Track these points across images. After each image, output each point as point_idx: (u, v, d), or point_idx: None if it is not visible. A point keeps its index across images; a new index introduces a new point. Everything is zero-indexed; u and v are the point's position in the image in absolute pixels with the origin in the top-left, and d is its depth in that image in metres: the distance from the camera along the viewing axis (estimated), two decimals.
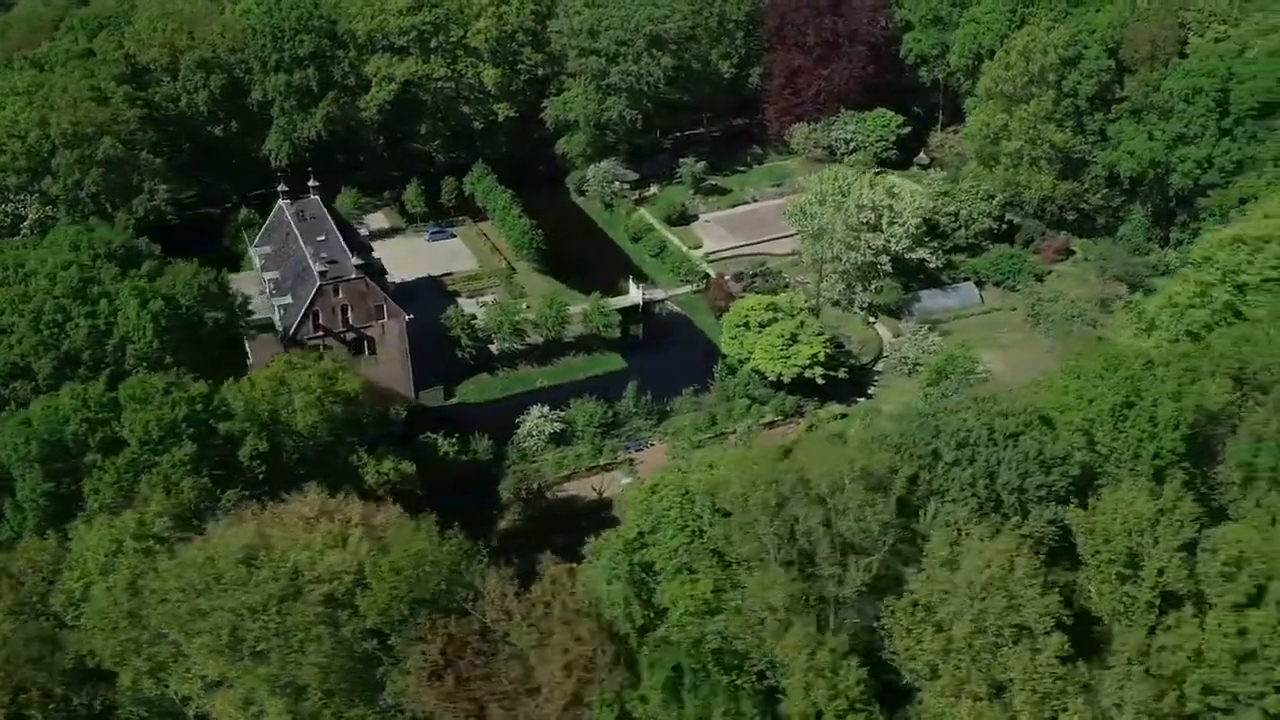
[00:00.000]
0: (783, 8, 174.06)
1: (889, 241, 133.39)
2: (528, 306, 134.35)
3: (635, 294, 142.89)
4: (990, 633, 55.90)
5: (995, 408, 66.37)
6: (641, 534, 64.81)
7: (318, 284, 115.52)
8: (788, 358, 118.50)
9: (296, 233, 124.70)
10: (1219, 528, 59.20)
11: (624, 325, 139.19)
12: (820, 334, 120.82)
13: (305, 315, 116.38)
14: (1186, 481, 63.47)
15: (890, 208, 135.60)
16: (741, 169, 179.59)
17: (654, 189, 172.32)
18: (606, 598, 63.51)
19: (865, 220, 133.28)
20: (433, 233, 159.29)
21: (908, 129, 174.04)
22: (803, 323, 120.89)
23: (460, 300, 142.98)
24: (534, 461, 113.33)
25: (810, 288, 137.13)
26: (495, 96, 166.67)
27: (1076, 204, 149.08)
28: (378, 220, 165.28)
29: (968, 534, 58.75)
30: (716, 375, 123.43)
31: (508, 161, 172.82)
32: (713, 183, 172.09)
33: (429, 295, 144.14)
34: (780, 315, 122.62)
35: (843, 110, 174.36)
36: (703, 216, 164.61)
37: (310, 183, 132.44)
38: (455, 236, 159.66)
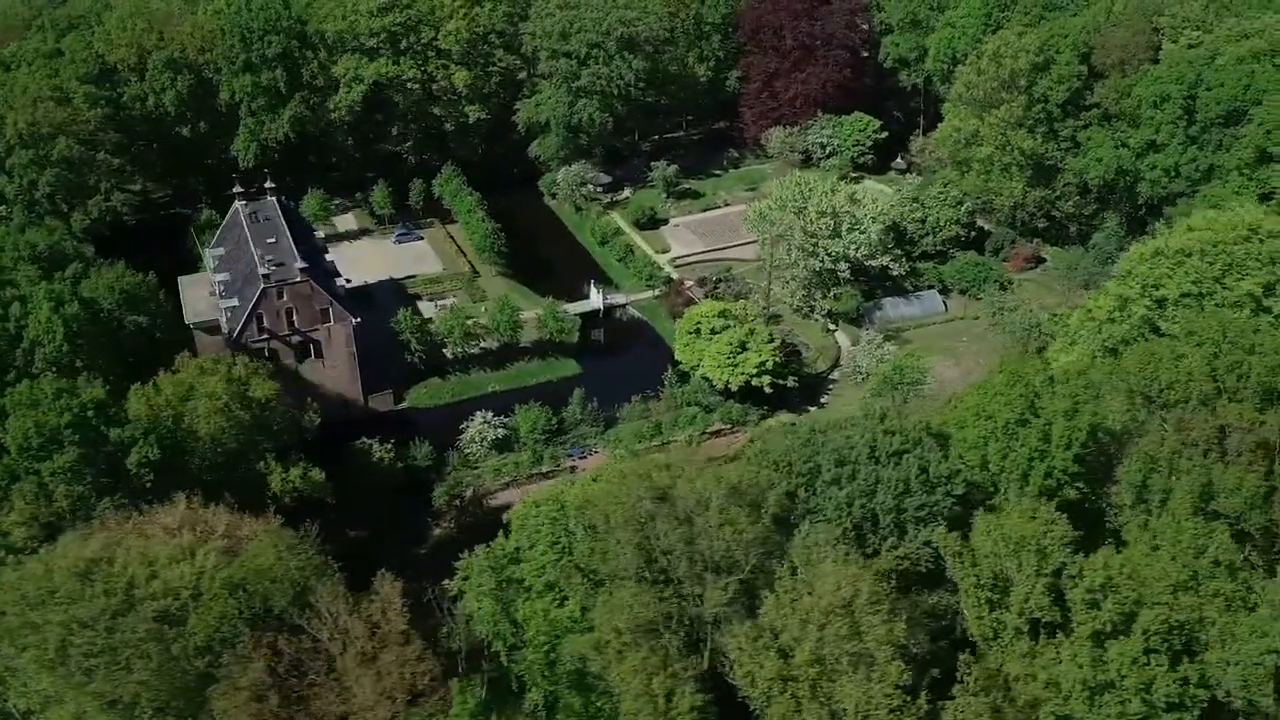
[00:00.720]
0: (759, 11, 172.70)
1: (848, 248, 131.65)
2: (485, 310, 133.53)
3: (595, 299, 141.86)
4: (829, 660, 54.35)
5: (882, 424, 64.77)
6: (518, 549, 63.71)
7: (261, 287, 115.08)
8: (735, 365, 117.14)
9: (248, 234, 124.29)
10: (1094, 553, 57.30)
11: (585, 330, 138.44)
12: (770, 341, 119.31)
13: (249, 318, 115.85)
14: (1078, 502, 61.76)
15: (851, 214, 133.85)
16: (718, 172, 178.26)
17: (627, 192, 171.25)
18: (476, 615, 62.43)
19: (825, 226, 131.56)
20: (399, 234, 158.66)
21: (885, 134, 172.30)
22: (753, 330, 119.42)
23: (420, 303, 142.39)
24: (475, 468, 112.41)
25: (763, 295, 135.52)
26: (466, 98, 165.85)
27: (1048, 211, 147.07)
28: (347, 221, 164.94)
29: (823, 557, 57.17)
30: (666, 382, 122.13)
31: (481, 164, 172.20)
32: (687, 186, 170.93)
33: (390, 298, 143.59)
34: (732, 322, 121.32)
35: (820, 114, 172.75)
36: (673, 221, 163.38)
37: (267, 184, 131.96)
38: (422, 239, 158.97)
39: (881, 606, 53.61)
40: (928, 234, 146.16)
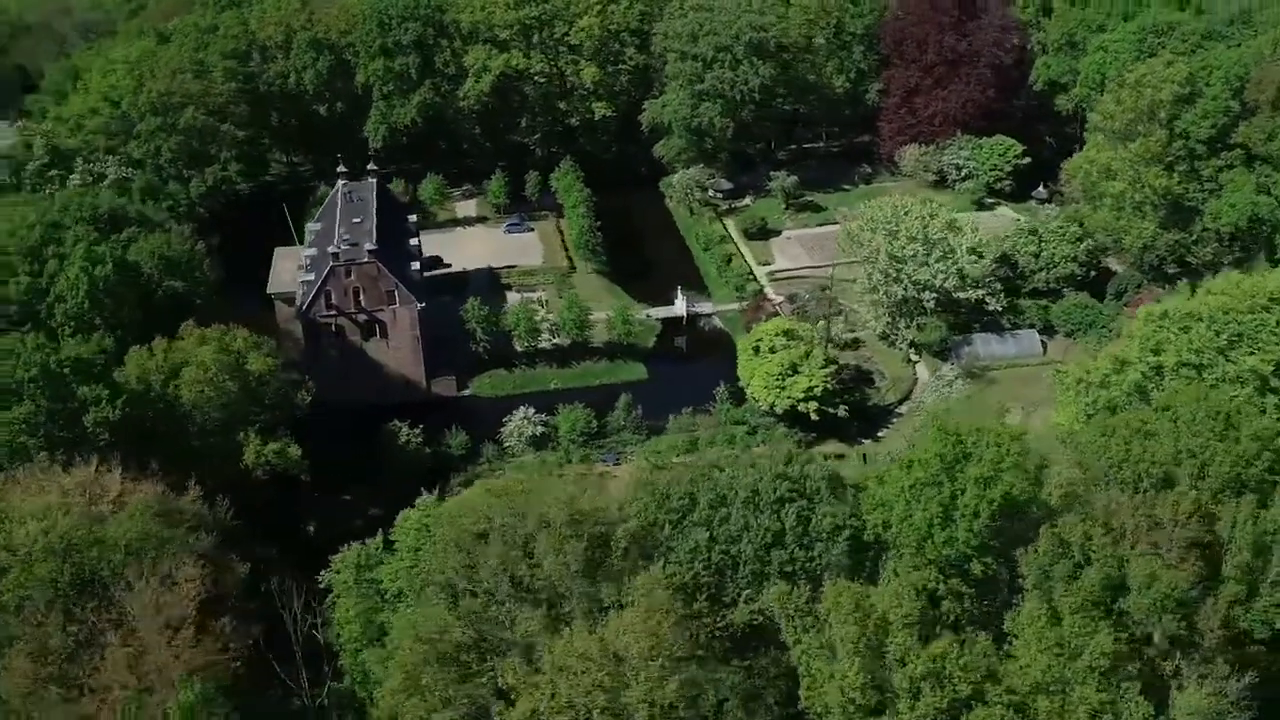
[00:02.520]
0: (904, 23, 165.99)
1: (934, 277, 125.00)
2: (545, 305, 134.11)
3: (680, 305, 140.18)
4: (581, 711, 51.26)
5: (784, 467, 60.93)
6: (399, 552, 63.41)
7: (330, 264, 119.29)
8: (783, 388, 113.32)
9: (338, 213, 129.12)
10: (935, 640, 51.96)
11: (668, 336, 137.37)
12: (825, 367, 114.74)
13: (318, 293, 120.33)
14: (978, 578, 56.58)
15: (946, 242, 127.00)
16: (847, 187, 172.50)
17: (748, 200, 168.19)
18: (338, 611, 62.63)
19: (913, 252, 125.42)
20: (510, 225, 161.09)
21: (1027, 159, 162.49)
22: (809, 353, 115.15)
23: (510, 294, 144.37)
24: (509, 461, 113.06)
25: (828, 317, 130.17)
26: (594, 95, 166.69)
27: (1181, 256, 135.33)
28: (468, 208, 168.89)
29: (630, 601, 54.09)
30: (716, 398, 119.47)
31: (610, 161, 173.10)
32: (809, 199, 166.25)
33: (483, 286, 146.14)
34: (793, 343, 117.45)
35: (959, 134, 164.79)
36: (785, 233, 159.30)
37: (369, 166, 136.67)
38: (532, 230, 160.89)
39: (654, 662, 50.26)
40: (1041, 269, 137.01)
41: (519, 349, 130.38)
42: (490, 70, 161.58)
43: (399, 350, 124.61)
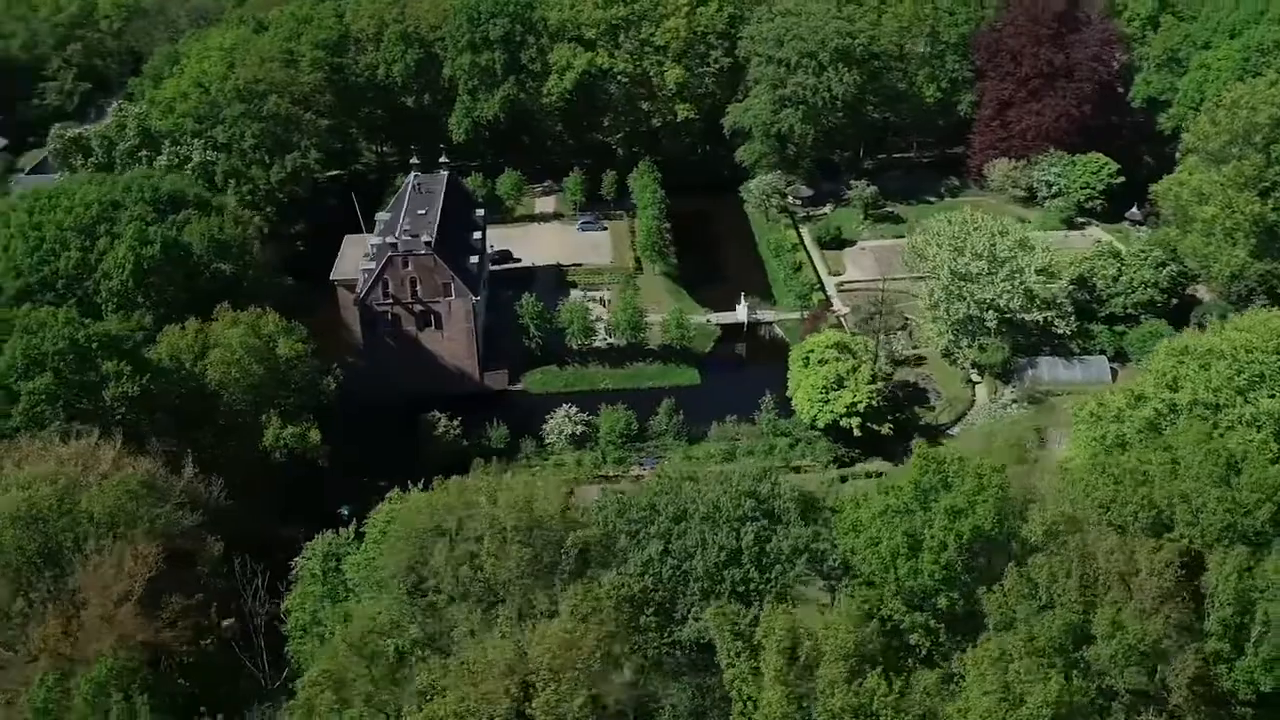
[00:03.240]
0: (1000, 34, 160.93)
1: (998, 296, 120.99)
2: (624, 308, 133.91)
3: (741, 312, 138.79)
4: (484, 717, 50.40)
5: (750, 485, 59.47)
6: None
7: (388, 254, 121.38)
8: (827, 401, 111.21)
9: (405, 204, 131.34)
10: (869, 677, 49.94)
11: (727, 342, 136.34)
12: (873, 382, 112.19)
13: (375, 281, 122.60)
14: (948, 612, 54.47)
15: (1014, 260, 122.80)
16: (932, 199, 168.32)
17: (827, 209, 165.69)
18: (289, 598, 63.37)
19: (978, 270, 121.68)
20: (583, 223, 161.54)
21: (1122, 179, 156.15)
22: (857, 367, 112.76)
23: (574, 291, 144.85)
24: (547, 457, 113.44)
25: (888, 334, 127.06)
26: (678, 96, 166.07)
27: (1272, 287, 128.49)
28: (548, 204, 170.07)
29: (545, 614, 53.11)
30: (761, 408, 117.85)
31: (692, 163, 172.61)
32: (890, 210, 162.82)
33: (549, 282, 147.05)
34: (844, 356, 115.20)
35: (1052, 150, 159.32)
36: (860, 244, 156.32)
37: (440, 159, 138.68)
38: (606, 229, 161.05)
39: (565, 675, 49.30)
40: (1120, 293, 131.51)
41: (573, 347, 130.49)
42: (574, 68, 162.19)
43: (453, 341, 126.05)
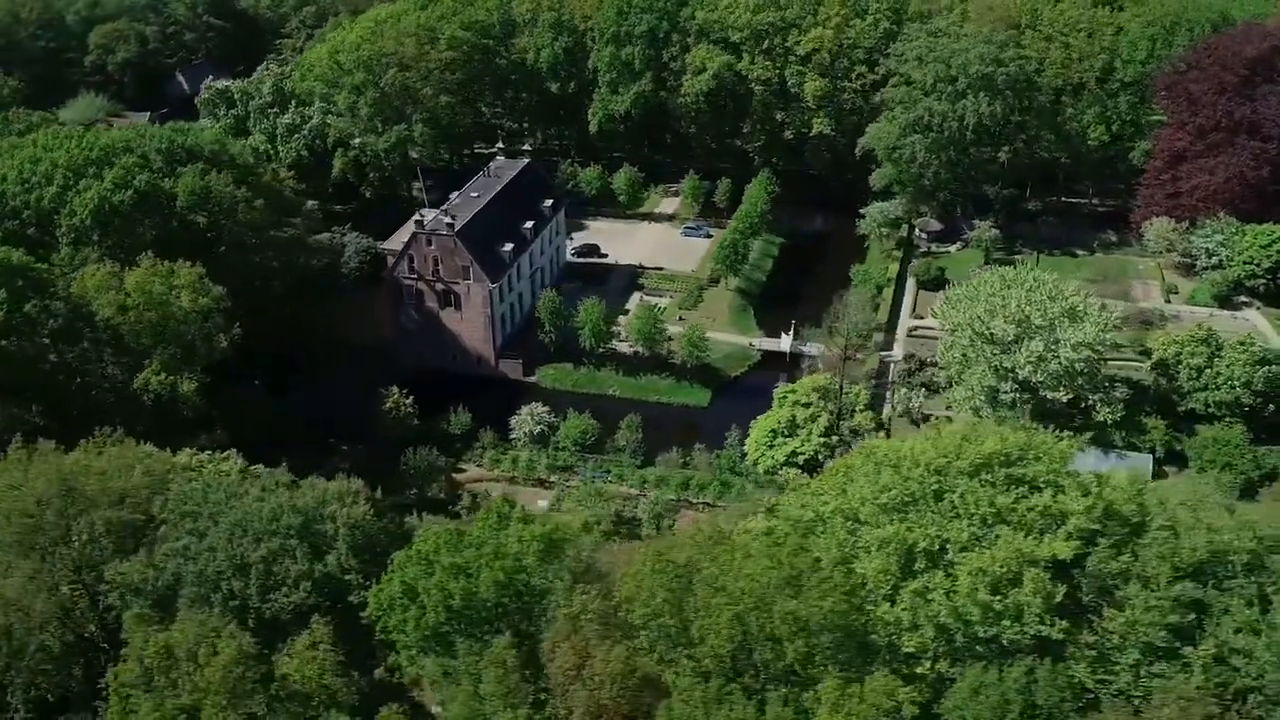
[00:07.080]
0: (1181, 78, 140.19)
1: (1019, 367, 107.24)
2: (640, 318, 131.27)
3: (785, 341, 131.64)
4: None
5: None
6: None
7: (413, 231, 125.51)
8: (772, 446, 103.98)
9: (466, 187, 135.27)
10: None
11: (770, 369, 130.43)
12: (826, 436, 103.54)
13: (401, 255, 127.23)
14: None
15: (1052, 329, 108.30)
16: (1081, 253, 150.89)
17: (954, 247, 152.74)
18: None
19: (1003, 334, 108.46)
20: (688, 228, 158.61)
21: None
22: (816, 416, 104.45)
23: (640, 294, 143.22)
24: (505, 452, 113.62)
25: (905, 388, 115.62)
26: (815, 109, 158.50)
27: None
28: (671, 205, 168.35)
29: None
30: (725, 443, 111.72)
31: (825, 180, 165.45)
32: (1019, 257, 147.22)
33: (620, 282, 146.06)
34: (818, 403, 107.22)
35: (1222, 215, 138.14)
36: None
37: (524, 146, 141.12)
38: (709, 237, 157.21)
39: None
40: (1205, 387, 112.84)
41: (588, 348, 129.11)
42: (708, 70, 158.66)
43: (471, 324, 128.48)
